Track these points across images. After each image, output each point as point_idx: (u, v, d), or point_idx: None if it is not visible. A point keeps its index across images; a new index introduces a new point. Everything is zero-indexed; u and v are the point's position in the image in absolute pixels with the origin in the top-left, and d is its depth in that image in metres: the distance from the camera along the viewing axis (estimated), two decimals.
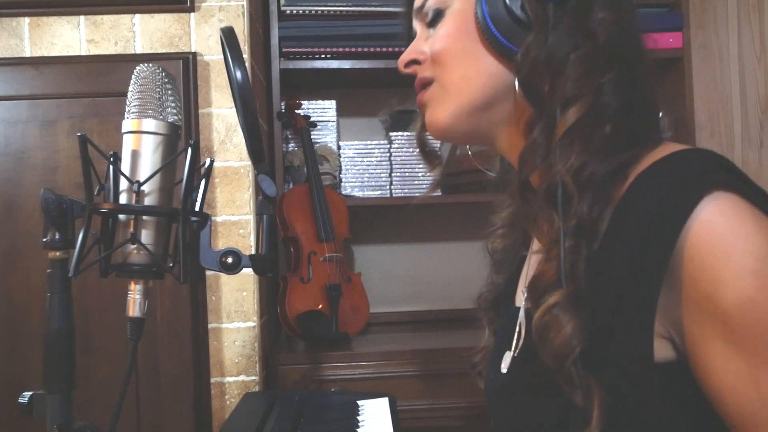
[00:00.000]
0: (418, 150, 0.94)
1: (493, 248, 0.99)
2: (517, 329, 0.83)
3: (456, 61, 0.79)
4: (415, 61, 0.84)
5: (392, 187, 2.24)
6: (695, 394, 0.65)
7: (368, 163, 2.25)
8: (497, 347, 0.89)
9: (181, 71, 1.61)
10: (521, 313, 0.83)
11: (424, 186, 2.23)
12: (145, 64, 0.88)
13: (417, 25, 0.86)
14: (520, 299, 0.86)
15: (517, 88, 0.75)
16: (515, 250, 0.96)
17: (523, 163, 0.74)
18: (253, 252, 0.91)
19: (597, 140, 0.71)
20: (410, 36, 0.89)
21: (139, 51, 1.66)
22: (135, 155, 0.86)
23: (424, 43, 0.83)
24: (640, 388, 0.65)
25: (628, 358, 0.65)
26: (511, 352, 0.83)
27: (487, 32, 0.75)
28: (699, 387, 0.64)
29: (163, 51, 1.65)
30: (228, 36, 0.87)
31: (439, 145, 2.23)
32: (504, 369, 0.83)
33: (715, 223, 0.62)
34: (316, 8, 2.07)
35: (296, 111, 2.13)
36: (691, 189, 0.63)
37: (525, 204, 0.74)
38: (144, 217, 0.86)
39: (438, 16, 0.81)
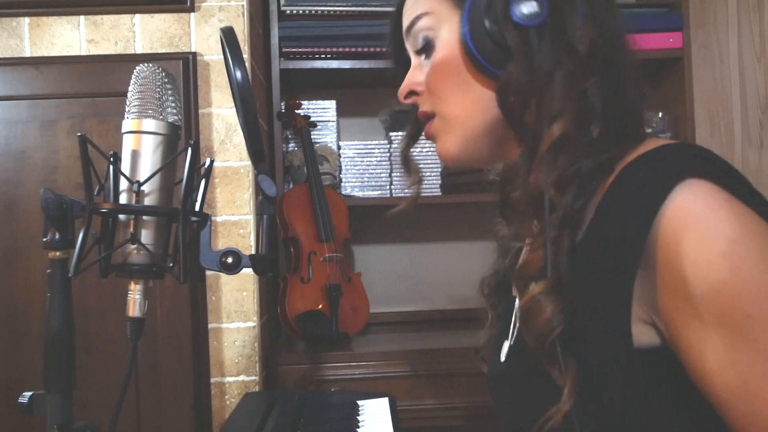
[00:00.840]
0: (402, 166, 0.98)
1: (500, 235, 1.01)
2: (513, 319, 0.85)
3: (451, 93, 0.81)
4: (413, 92, 0.87)
5: (392, 187, 2.24)
6: (682, 378, 0.66)
7: (368, 163, 2.25)
8: (497, 337, 0.91)
9: (181, 71, 1.61)
10: (516, 303, 0.85)
11: (424, 185, 2.23)
12: (145, 64, 0.88)
13: (409, 49, 0.88)
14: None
15: None
16: (517, 240, 0.97)
17: (506, 183, 0.77)
18: (253, 252, 0.91)
19: (584, 143, 0.73)
20: (397, 58, 0.92)
21: (139, 51, 1.66)
22: (135, 155, 0.86)
23: (420, 73, 0.86)
24: (624, 374, 0.67)
25: (609, 344, 0.67)
26: (509, 341, 0.85)
27: (474, 61, 0.77)
28: (684, 371, 0.66)
29: (163, 51, 1.65)
30: (228, 36, 0.87)
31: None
32: (502, 358, 0.86)
33: (688, 208, 0.63)
34: (316, 8, 2.07)
35: (296, 111, 2.13)
36: (666, 177, 0.64)
37: (506, 220, 0.77)
38: (144, 217, 0.86)
39: (428, 45, 0.83)
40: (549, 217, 0.71)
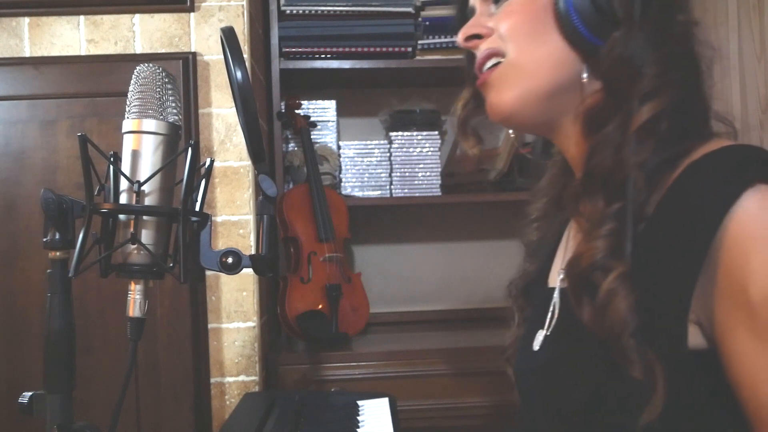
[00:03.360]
0: (458, 129, 0.92)
1: (528, 241, 0.98)
2: (551, 308, 0.84)
3: (528, 41, 0.78)
4: (477, 36, 0.82)
5: (392, 187, 2.24)
6: (725, 383, 0.66)
7: (368, 163, 2.25)
8: (529, 328, 0.90)
9: (181, 71, 1.61)
10: (556, 293, 0.84)
11: (424, 185, 2.23)
12: (146, 64, 0.88)
13: (476, 2, 0.84)
14: (554, 280, 0.87)
15: (584, 79, 0.76)
16: (548, 239, 0.96)
17: (593, 155, 0.74)
18: (253, 252, 0.91)
19: (660, 134, 0.72)
20: (463, 15, 0.87)
21: (138, 51, 1.66)
22: (135, 155, 0.86)
23: (488, 18, 0.81)
24: (677, 372, 0.66)
25: (665, 342, 0.66)
26: (544, 331, 0.84)
27: (567, 20, 0.75)
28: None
29: (163, 51, 1.65)
30: (228, 36, 0.87)
31: (438, 148, 2.23)
32: (536, 347, 0.84)
33: (755, 215, 0.63)
34: (316, 8, 2.07)
35: (296, 111, 2.13)
36: (735, 181, 0.64)
37: (587, 196, 0.74)
38: (144, 217, 0.86)
39: None
40: (615, 201, 0.70)
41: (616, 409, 0.68)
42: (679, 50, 0.74)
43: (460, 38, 0.83)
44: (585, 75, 0.77)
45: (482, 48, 0.81)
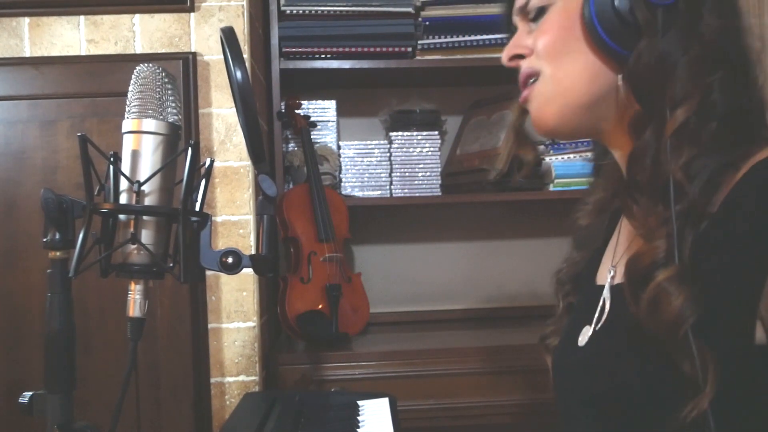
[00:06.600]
0: (515, 138, 0.97)
1: (577, 228, 0.99)
2: (600, 304, 0.84)
3: (561, 57, 0.80)
4: (519, 56, 0.85)
5: (392, 187, 2.24)
6: None
7: (368, 163, 2.25)
8: (573, 323, 0.90)
9: (181, 71, 1.61)
10: (606, 290, 0.84)
11: (424, 186, 2.23)
12: (146, 64, 0.88)
13: (518, 21, 0.87)
14: (603, 278, 0.88)
15: (620, 87, 0.78)
16: (598, 234, 0.97)
17: (633, 164, 0.76)
18: (253, 252, 0.91)
19: (705, 136, 0.73)
20: (509, 29, 0.90)
21: (139, 51, 1.66)
22: (135, 155, 0.87)
23: (527, 37, 0.84)
24: (740, 368, 0.67)
25: (730, 334, 0.67)
26: (592, 327, 0.84)
27: (593, 32, 0.77)
28: None
29: (163, 51, 1.65)
30: (228, 36, 0.87)
31: (439, 144, 2.23)
32: (582, 343, 0.84)
33: None
34: (316, 8, 2.07)
35: (296, 111, 2.12)
36: None
37: (633, 202, 0.75)
38: (144, 217, 0.86)
39: (541, 12, 0.83)
40: (674, 203, 0.71)
41: (667, 404, 0.69)
42: (711, 52, 0.74)
43: (504, 58, 0.87)
44: (620, 83, 0.78)
45: (523, 66, 0.85)
